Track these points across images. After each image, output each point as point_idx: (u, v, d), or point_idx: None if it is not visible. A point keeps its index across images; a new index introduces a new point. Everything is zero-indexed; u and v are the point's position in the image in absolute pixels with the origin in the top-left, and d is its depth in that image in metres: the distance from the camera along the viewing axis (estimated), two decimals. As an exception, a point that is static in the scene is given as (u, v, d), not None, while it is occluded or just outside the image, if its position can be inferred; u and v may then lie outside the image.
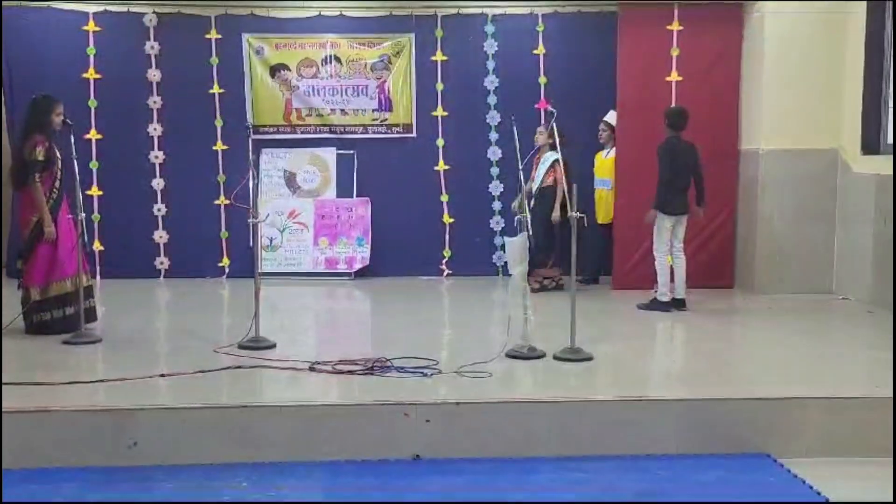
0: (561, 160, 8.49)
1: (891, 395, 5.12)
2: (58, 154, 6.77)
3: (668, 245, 7.93)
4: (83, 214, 6.59)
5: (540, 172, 8.77)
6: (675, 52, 9.07)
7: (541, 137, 8.75)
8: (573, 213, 6.23)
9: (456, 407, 5.04)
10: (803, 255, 8.74)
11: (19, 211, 6.93)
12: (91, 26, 9.42)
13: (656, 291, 7.93)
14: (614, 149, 9.15)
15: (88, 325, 6.69)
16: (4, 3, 8.98)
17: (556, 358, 6.03)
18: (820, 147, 8.68)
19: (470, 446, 4.93)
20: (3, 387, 5.18)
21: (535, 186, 8.76)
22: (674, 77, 9.07)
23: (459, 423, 4.99)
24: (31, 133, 6.68)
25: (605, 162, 9.32)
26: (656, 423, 5.08)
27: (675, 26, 9.05)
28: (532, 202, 8.52)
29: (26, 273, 6.75)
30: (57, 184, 6.75)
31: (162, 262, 9.76)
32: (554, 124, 7.62)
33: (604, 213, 9.29)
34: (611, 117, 9.23)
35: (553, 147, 8.32)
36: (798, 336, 7.06)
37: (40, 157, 6.58)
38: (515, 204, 8.72)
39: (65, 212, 6.84)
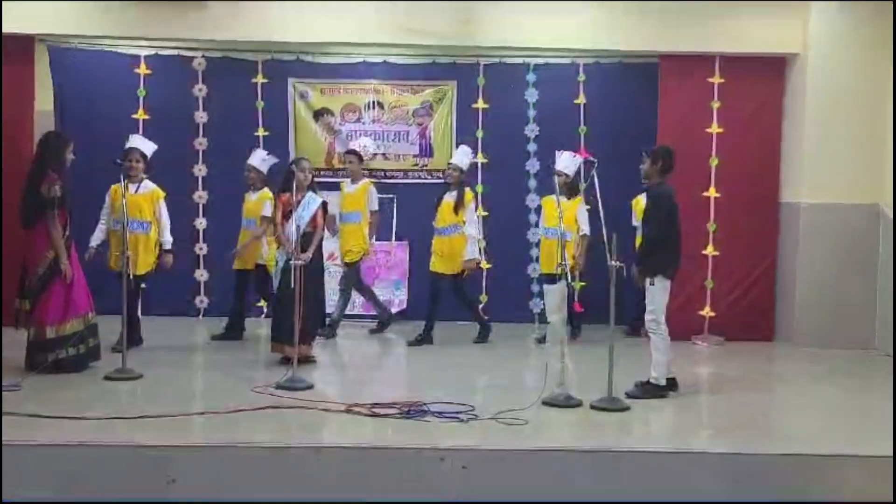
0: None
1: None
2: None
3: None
4: (129, 253, 6.75)
5: (304, 217, 7.41)
6: (715, 105, 9.09)
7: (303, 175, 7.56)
8: (612, 263, 6.25)
9: (492, 454, 5.04)
10: (844, 309, 8.65)
11: (29, 248, 6.75)
12: (142, 69, 9.65)
13: (652, 376, 6.56)
14: (564, 197, 7.98)
15: (93, 363, 6.81)
16: (61, 44, 9.26)
17: (593, 407, 6.02)
18: (861, 201, 8.64)
19: (506, 493, 4.92)
20: (45, 420, 5.32)
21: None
22: (714, 129, 9.08)
23: (495, 469, 4.99)
24: (45, 170, 6.68)
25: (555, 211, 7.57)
26: (694, 476, 5.04)
27: (717, 78, 9.08)
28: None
29: (38, 311, 6.64)
30: (68, 222, 6.76)
31: (202, 300, 9.87)
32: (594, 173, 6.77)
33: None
34: (563, 163, 8.45)
35: (311, 188, 7.61)
36: (839, 391, 6.98)
37: (58, 194, 6.62)
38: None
39: (73, 249, 6.83)
